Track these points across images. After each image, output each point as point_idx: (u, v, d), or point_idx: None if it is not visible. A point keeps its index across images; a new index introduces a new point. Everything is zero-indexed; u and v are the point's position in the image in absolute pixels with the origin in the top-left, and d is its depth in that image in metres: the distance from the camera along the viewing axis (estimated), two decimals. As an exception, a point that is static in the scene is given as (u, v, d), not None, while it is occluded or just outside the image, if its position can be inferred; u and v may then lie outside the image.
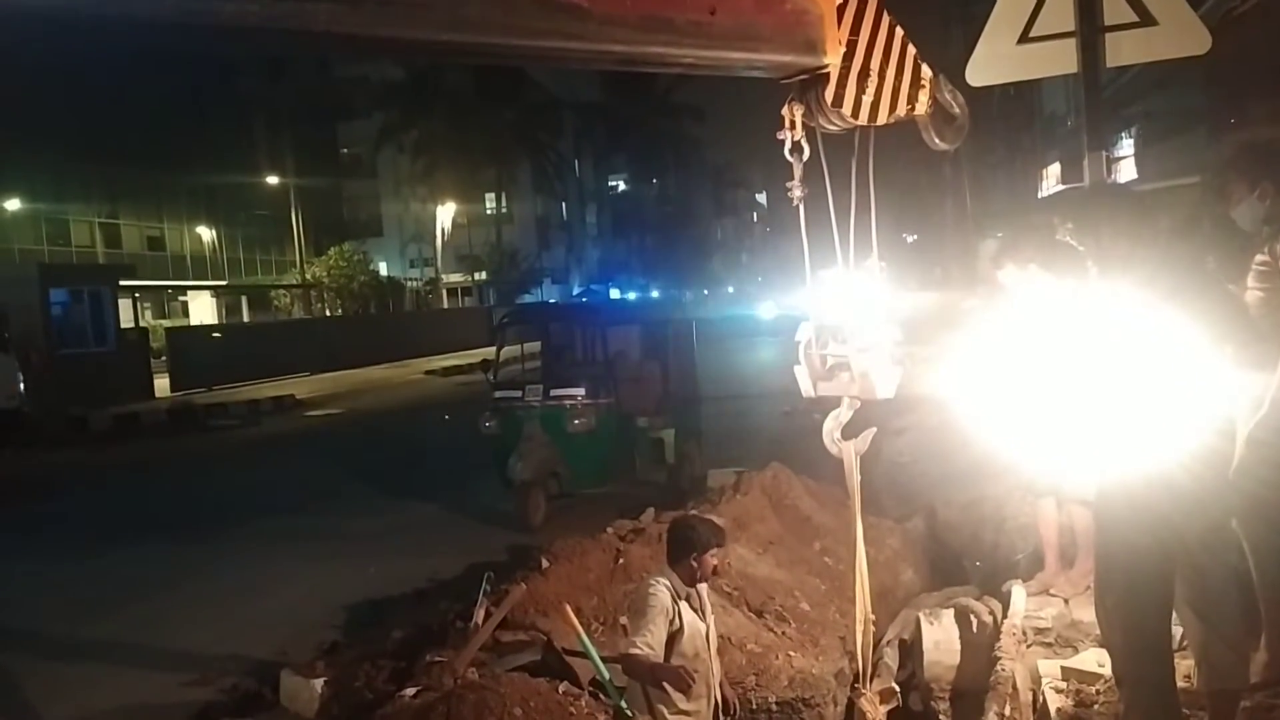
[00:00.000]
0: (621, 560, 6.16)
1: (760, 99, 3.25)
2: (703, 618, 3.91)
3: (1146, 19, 4.52)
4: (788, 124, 2.88)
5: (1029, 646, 4.72)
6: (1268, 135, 3.57)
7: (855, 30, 2.79)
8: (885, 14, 2.86)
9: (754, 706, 4.98)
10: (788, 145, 2.89)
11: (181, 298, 44.19)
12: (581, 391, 10.17)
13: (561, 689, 4.59)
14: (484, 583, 5.51)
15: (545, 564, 6.13)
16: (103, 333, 23.38)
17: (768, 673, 5.17)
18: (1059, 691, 4.13)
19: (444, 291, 54.47)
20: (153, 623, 7.57)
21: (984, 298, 4.16)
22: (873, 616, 3.56)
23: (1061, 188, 17.16)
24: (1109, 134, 8.55)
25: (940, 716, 5.09)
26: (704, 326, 13.75)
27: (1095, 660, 4.12)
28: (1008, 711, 4.11)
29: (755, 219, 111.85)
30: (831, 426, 3.28)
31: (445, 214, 48.98)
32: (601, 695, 4.56)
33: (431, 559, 8.52)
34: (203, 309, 44.12)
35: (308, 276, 44.05)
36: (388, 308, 49.05)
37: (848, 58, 2.78)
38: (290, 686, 5.46)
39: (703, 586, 3.95)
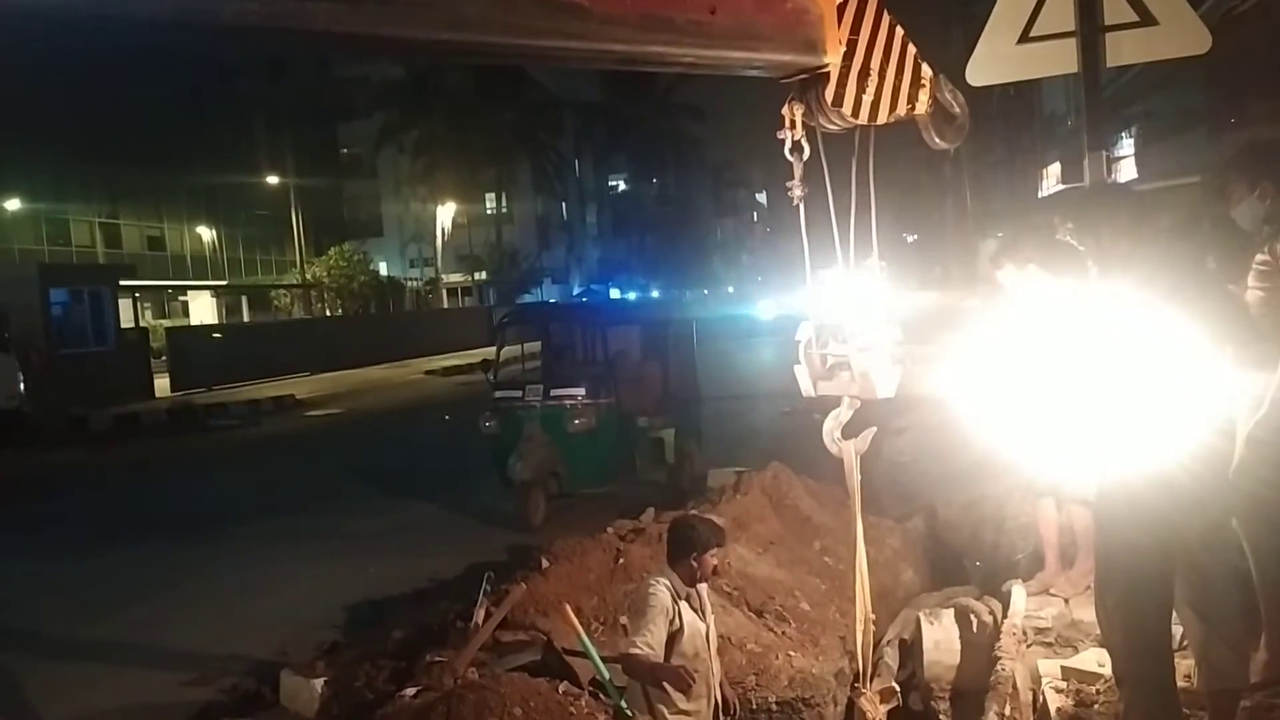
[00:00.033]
0: (621, 560, 6.16)
1: (760, 98, 3.25)
2: (703, 618, 3.91)
3: (1147, 19, 4.52)
4: (788, 123, 2.87)
5: (1029, 646, 4.72)
6: (1268, 135, 3.58)
7: (855, 30, 2.79)
8: (885, 13, 2.86)
9: (754, 706, 4.98)
10: (788, 145, 2.89)
11: (182, 298, 44.19)
12: (581, 391, 10.17)
13: (561, 689, 4.59)
14: (484, 583, 5.51)
15: (545, 564, 6.13)
16: (103, 333, 23.37)
17: (768, 672, 5.17)
18: (1059, 691, 4.13)
19: (444, 291, 54.49)
20: (153, 623, 7.57)
21: (984, 298, 4.16)
22: (873, 616, 3.56)
23: (1061, 187, 17.16)
24: (1109, 134, 8.56)
25: (940, 716, 5.09)
26: (703, 326, 13.74)
27: (1095, 660, 4.12)
28: (1008, 711, 4.11)
29: (755, 219, 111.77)
30: (832, 426, 3.28)
31: (445, 214, 48.99)
32: (601, 695, 4.56)
33: (431, 559, 8.52)
34: (203, 309, 44.12)
35: (308, 276, 44.05)
36: (388, 308, 49.05)
37: (848, 57, 2.78)
38: (290, 686, 5.46)
39: (703, 586, 3.95)
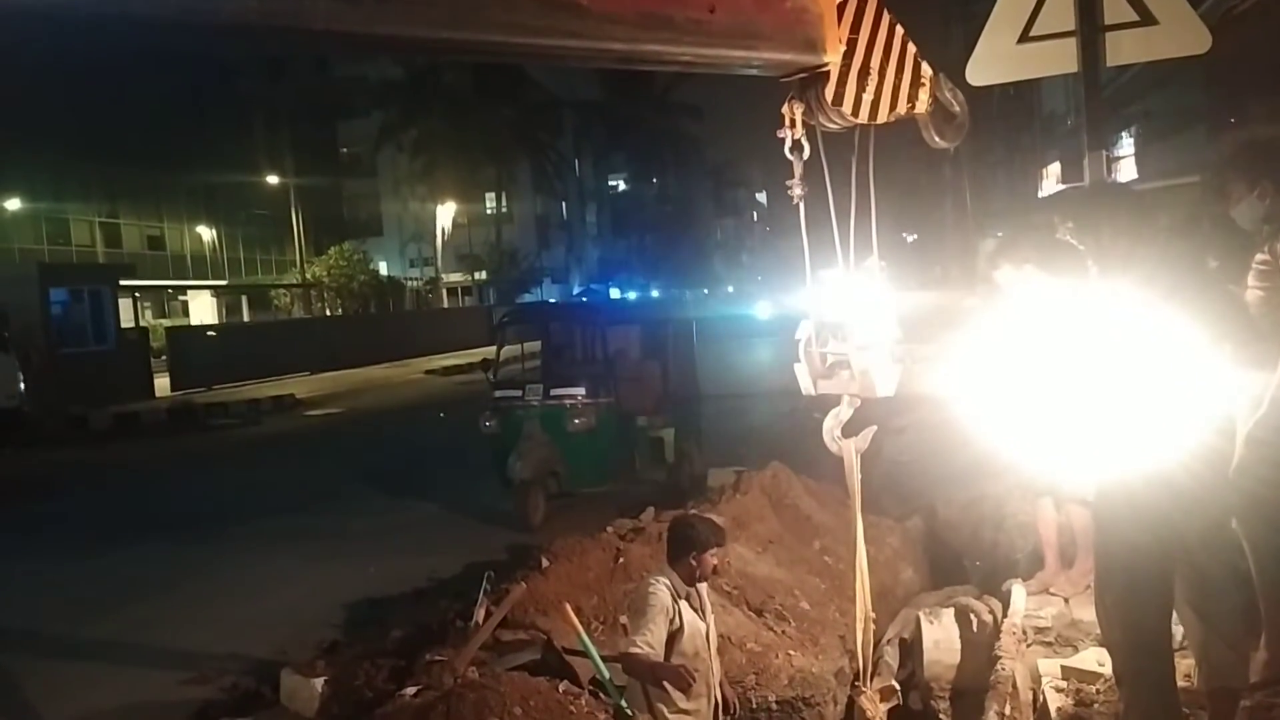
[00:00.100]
0: (621, 559, 6.16)
1: (760, 98, 3.25)
2: (703, 617, 3.91)
3: (1147, 18, 4.52)
4: (788, 122, 2.87)
5: (1029, 645, 4.72)
6: (1267, 134, 3.56)
7: (855, 28, 2.79)
8: (885, 12, 2.86)
9: (754, 705, 4.99)
10: (788, 144, 2.89)
11: (182, 297, 44.20)
12: (581, 391, 10.17)
13: (561, 688, 4.59)
14: (484, 582, 5.50)
15: (545, 563, 6.13)
16: (103, 332, 23.39)
17: (767, 672, 5.17)
18: (1059, 690, 4.13)
19: (444, 291, 54.49)
20: (153, 622, 7.56)
21: (984, 297, 4.16)
22: (873, 615, 3.56)
23: (1061, 187, 17.15)
24: (1109, 133, 8.55)
25: (940, 715, 5.09)
26: (702, 326, 13.75)
27: (1095, 659, 4.13)
28: (1008, 710, 4.11)
29: (755, 218, 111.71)
30: (832, 425, 3.28)
31: (445, 213, 48.99)
32: (601, 694, 4.56)
33: (431, 558, 8.52)
34: (203, 308, 44.12)
35: (308, 276, 44.06)
36: (388, 307, 49.08)
37: (848, 56, 2.77)
38: (290, 685, 5.46)
39: (702, 586, 3.96)
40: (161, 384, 24.84)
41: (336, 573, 8.47)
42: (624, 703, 3.88)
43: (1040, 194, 21.47)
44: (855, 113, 2.83)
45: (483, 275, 53.93)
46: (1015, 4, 4.68)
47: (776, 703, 5.02)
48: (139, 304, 28.25)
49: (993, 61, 4.85)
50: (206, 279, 44.11)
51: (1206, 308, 3.06)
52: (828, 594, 6.26)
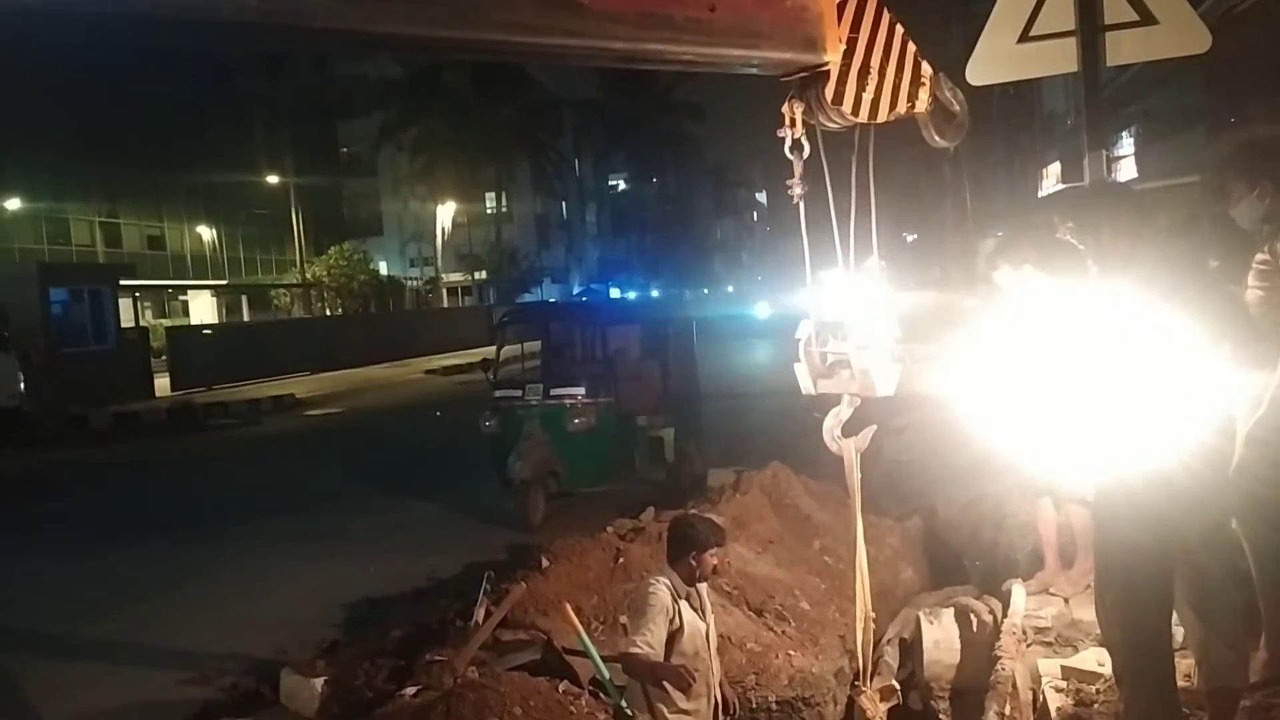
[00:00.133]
0: (621, 559, 6.17)
1: (760, 98, 3.25)
2: (702, 617, 3.91)
3: (1147, 18, 4.52)
4: (788, 121, 2.87)
5: (1029, 645, 4.72)
6: (1267, 134, 3.56)
7: (855, 28, 2.78)
8: (885, 11, 2.85)
9: (754, 705, 4.99)
10: (788, 143, 2.89)
11: (182, 297, 44.20)
12: (581, 390, 10.18)
13: (561, 688, 4.59)
14: (484, 582, 5.51)
15: (545, 563, 6.13)
16: (103, 332, 23.38)
17: (767, 671, 5.17)
18: (1059, 690, 4.13)
19: (444, 291, 54.49)
20: (153, 622, 7.56)
21: (984, 297, 4.16)
22: (873, 614, 3.56)
23: (1061, 186, 17.15)
24: (1109, 133, 8.55)
25: (940, 715, 5.09)
26: (702, 325, 13.75)
27: (1095, 659, 4.13)
28: (1008, 710, 4.11)
29: (755, 218, 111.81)
30: (832, 424, 3.28)
31: (445, 213, 48.99)
32: (601, 694, 4.56)
33: (431, 558, 8.52)
34: (203, 308, 44.11)
35: (308, 276, 44.06)
36: (388, 307, 49.08)
37: (848, 55, 2.77)
38: (290, 685, 5.46)
39: (702, 586, 3.95)
40: (161, 384, 24.85)
41: (336, 573, 8.47)
42: (624, 703, 3.87)
43: (1040, 194, 21.48)
44: (855, 112, 2.82)
45: (483, 275, 53.94)
46: (1015, 4, 4.67)
47: (776, 703, 5.02)
48: (139, 304, 28.26)
49: (993, 61, 4.85)
50: (206, 279, 44.11)
51: (1206, 307, 3.06)
52: (828, 594, 6.26)
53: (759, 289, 60.94)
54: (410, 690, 4.67)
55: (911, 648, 5.35)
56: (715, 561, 3.99)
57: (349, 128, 53.20)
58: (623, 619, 4.76)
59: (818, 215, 3.04)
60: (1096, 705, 3.93)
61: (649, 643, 3.64)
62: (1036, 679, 4.38)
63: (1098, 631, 3.71)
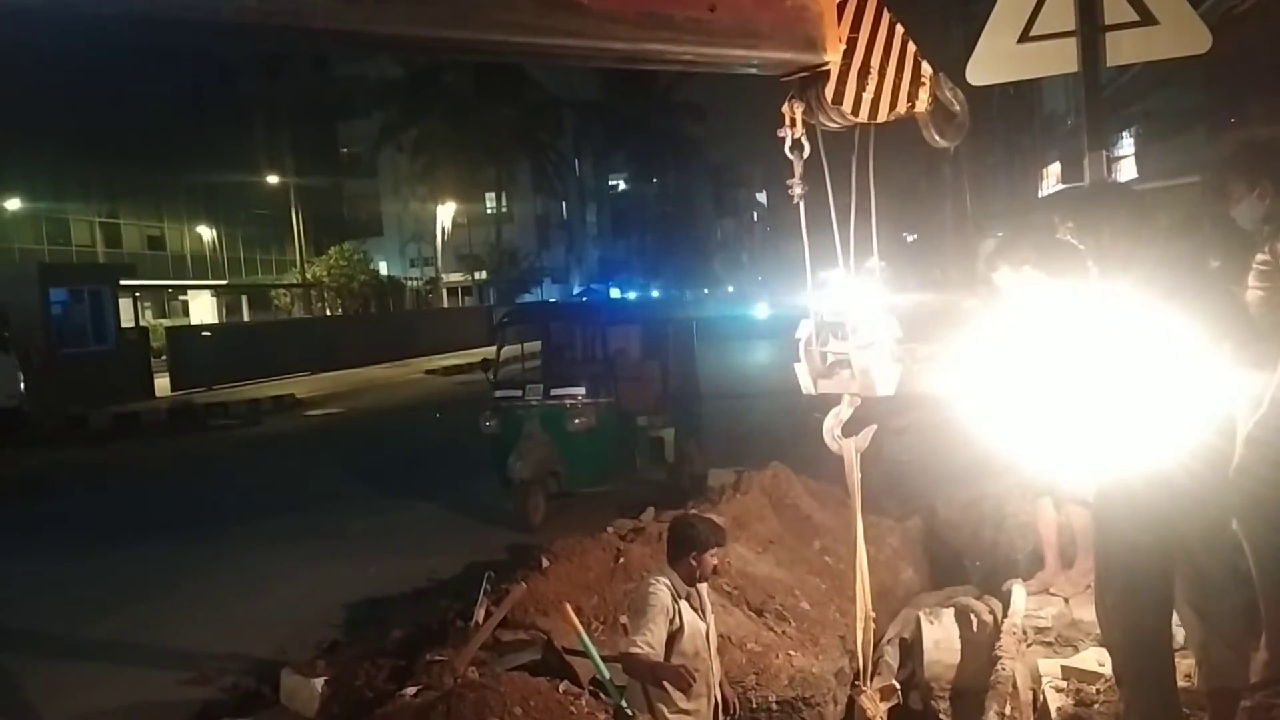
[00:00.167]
0: (622, 559, 6.17)
1: (761, 98, 3.24)
2: (703, 617, 3.91)
3: (1147, 18, 4.52)
4: (788, 121, 2.87)
5: (1029, 645, 4.72)
6: (1267, 134, 3.56)
7: (855, 27, 2.78)
8: (885, 11, 2.85)
9: (754, 705, 4.98)
10: (788, 142, 2.88)
11: (182, 297, 44.22)
12: (581, 391, 10.17)
13: (562, 688, 4.59)
14: (484, 582, 5.51)
15: (545, 563, 6.13)
16: (103, 332, 23.39)
17: (768, 672, 5.17)
18: (1059, 690, 4.13)
19: (444, 291, 54.50)
20: (153, 622, 7.56)
21: (984, 298, 4.16)
22: (873, 614, 3.55)
23: (1061, 186, 17.15)
24: (1109, 133, 8.55)
25: (940, 715, 5.09)
26: (702, 326, 13.76)
27: (1095, 659, 4.13)
28: (1008, 710, 4.11)
29: (755, 219, 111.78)
30: (832, 424, 3.27)
31: (445, 213, 49.00)
32: (601, 694, 4.56)
33: (431, 558, 8.52)
34: (203, 308, 44.13)
35: (308, 276, 44.06)
36: (388, 307, 49.10)
37: (848, 55, 2.77)
38: (290, 685, 5.46)
39: (703, 586, 3.95)
40: (161, 384, 24.85)
41: (336, 573, 8.47)
42: (624, 703, 3.87)
43: (1040, 194, 21.48)
44: (855, 111, 2.82)
45: (483, 275, 53.95)
46: (1015, 4, 4.68)
47: (776, 703, 5.02)
48: (139, 304, 28.27)
49: (993, 61, 4.85)
50: (206, 279, 44.12)
51: (1206, 308, 3.06)
52: (828, 594, 6.26)
53: (759, 289, 60.98)
54: (410, 690, 4.67)
55: (912, 648, 5.35)
56: (715, 561, 3.99)
57: (349, 128, 53.21)
58: (623, 619, 4.76)
59: (818, 215, 3.04)
60: (1097, 705, 3.93)
61: (649, 643, 3.64)
62: (1037, 679, 4.38)
63: (1098, 631, 3.71)
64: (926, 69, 2.96)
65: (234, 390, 24.66)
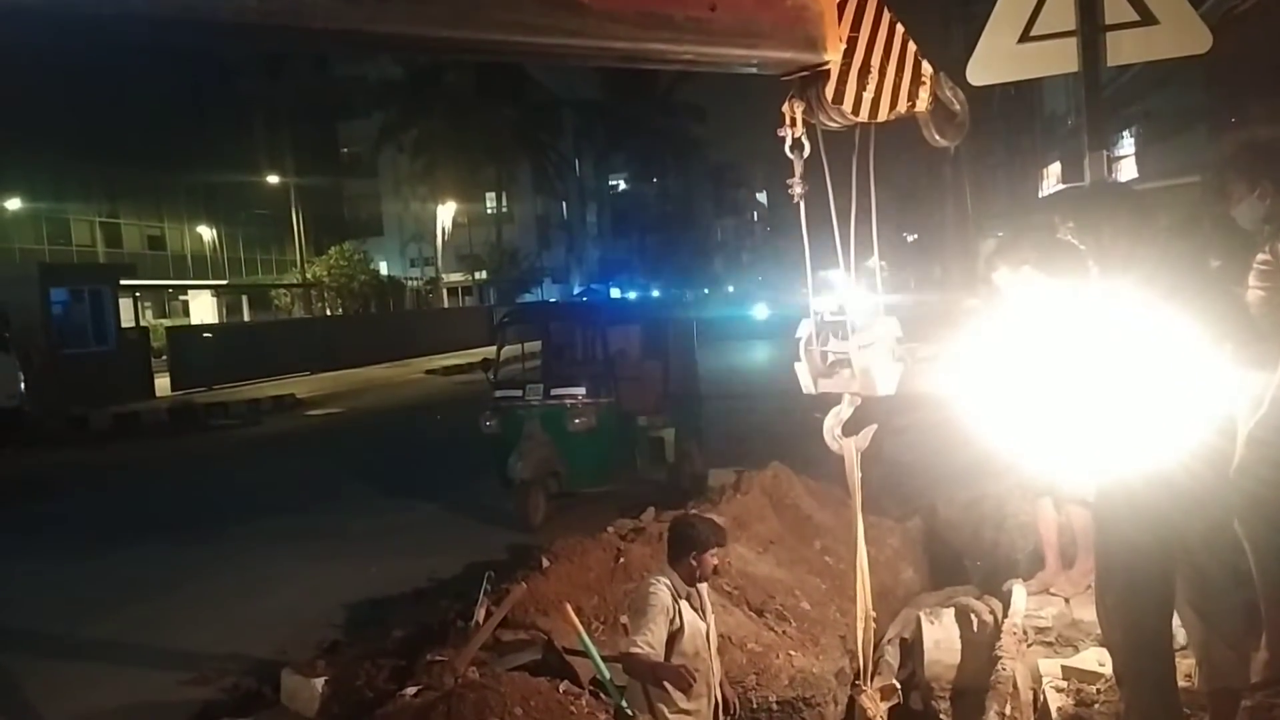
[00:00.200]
0: (622, 559, 6.17)
1: (762, 98, 3.24)
2: (703, 617, 3.91)
3: (1147, 18, 4.52)
4: (788, 121, 2.86)
5: (1030, 645, 4.72)
6: (1268, 134, 3.56)
7: (856, 27, 2.78)
8: (885, 11, 2.85)
9: (754, 705, 4.98)
10: (788, 142, 2.88)
11: (182, 297, 44.23)
12: (582, 390, 10.17)
13: (562, 688, 4.59)
14: (484, 582, 5.51)
15: (546, 563, 6.13)
16: (103, 332, 23.38)
17: (768, 672, 5.17)
18: (1060, 690, 4.13)
19: (444, 291, 54.49)
20: (153, 622, 7.56)
21: (984, 298, 4.16)
22: (873, 614, 3.55)
23: (1061, 186, 17.15)
24: (1110, 133, 8.55)
25: (941, 715, 5.09)
26: (702, 326, 13.76)
27: (1096, 659, 4.12)
28: (1008, 710, 4.11)
29: (756, 219, 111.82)
30: (832, 423, 3.27)
31: (445, 213, 49.00)
32: (602, 694, 4.56)
33: (432, 558, 8.52)
34: (203, 308, 44.14)
35: (308, 276, 44.07)
36: (388, 307, 49.09)
37: (848, 54, 2.77)
38: (291, 685, 5.46)
39: (703, 586, 3.95)
40: (162, 384, 24.86)
41: (337, 573, 8.47)
42: (624, 703, 3.87)
43: (1041, 194, 21.48)
44: (856, 111, 2.82)
45: (483, 275, 53.96)
46: (1016, 3, 4.68)
47: (777, 703, 5.02)
48: (139, 304, 28.27)
49: (993, 61, 4.85)
50: (207, 279, 44.13)
51: (1207, 308, 3.06)
52: (828, 594, 6.26)
53: (759, 289, 61.01)
54: (411, 690, 4.67)
55: (912, 648, 5.35)
56: (716, 561, 3.98)
57: (349, 128, 53.21)
58: (623, 619, 4.76)
59: (818, 215, 3.03)
60: (1097, 705, 3.93)
61: (649, 643, 3.64)
62: (1037, 679, 4.38)
63: (1098, 631, 3.71)
64: (927, 68, 2.96)
65: (234, 390, 24.66)
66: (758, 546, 6.61)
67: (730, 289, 73.42)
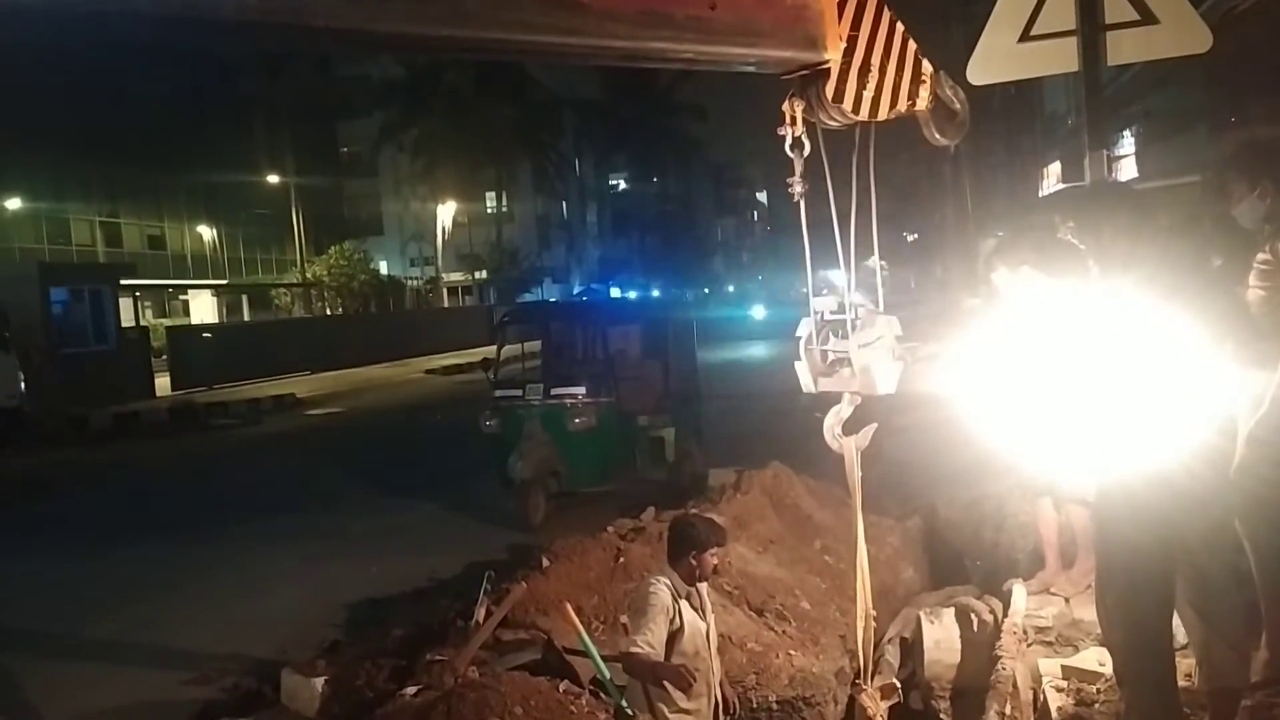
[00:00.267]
0: (622, 559, 6.17)
1: (762, 98, 3.24)
2: (703, 616, 3.91)
3: (1147, 17, 4.52)
4: (788, 120, 2.86)
5: (1030, 645, 4.72)
6: (1268, 134, 3.56)
7: (856, 26, 2.78)
8: (885, 9, 2.85)
9: (754, 705, 4.99)
10: (788, 141, 2.88)
11: (182, 297, 44.23)
12: (582, 390, 10.17)
13: (562, 688, 4.59)
14: (484, 581, 5.50)
15: (546, 563, 6.13)
16: (103, 332, 23.37)
17: (768, 671, 5.17)
18: (1060, 690, 4.13)
19: (444, 290, 54.49)
20: (153, 622, 7.56)
21: (984, 298, 4.16)
22: (873, 614, 3.55)
23: (1061, 186, 17.14)
24: (1110, 132, 8.54)
25: (941, 715, 5.09)
26: (701, 326, 13.76)
27: (1096, 659, 4.13)
28: (1008, 710, 4.11)
29: (756, 218, 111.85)
30: (833, 422, 3.27)
31: (446, 213, 48.98)
32: (602, 694, 4.56)
33: (432, 558, 8.52)
34: (204, 308, 44.14)
35: (308, 275, 44.07)
36: (388, 306, 49.09)
37: (848, 53, 2.76)
38: (291, 685, 5.46)
39: (703, 585, 3.95)
40: (162, 384, 24.86)
41: (337, 573, 8.47)
42: (624, 702, 3.87)
43: (1041, 194, 21.47)
44: (856, 110, 2.82)
45: (483, 275, 53.95)
46: (1016, 3, 4.68)
47: (777, 702, 5.02)
48: (139, 303, 28.26)
49: (993, 61, 4.85)
50: (207, 278, 44.13)
51: (1207, 307, 3.06)
52: (828, 593, 6.26)
53: (758, 289, 61.06)
54: (411, 690, 4.66)
55: (912, 647, 5.35)
56: (716, 561, 3.99)
57: (349, 128, 53.21)
58: (623, 619, 4.76)
59: (818, 214, 3.03)
60: (1097, 705, 3.93)
61: (649, 642, 3.64)
62: (1037, 679, 4.38)
63: (1098, 631, 3.71)
64: (927, 67, 2.96)
65: (234, 390, 24.66)
66: (758, 546, 6.61)
67: (730, 288, 73.48)
